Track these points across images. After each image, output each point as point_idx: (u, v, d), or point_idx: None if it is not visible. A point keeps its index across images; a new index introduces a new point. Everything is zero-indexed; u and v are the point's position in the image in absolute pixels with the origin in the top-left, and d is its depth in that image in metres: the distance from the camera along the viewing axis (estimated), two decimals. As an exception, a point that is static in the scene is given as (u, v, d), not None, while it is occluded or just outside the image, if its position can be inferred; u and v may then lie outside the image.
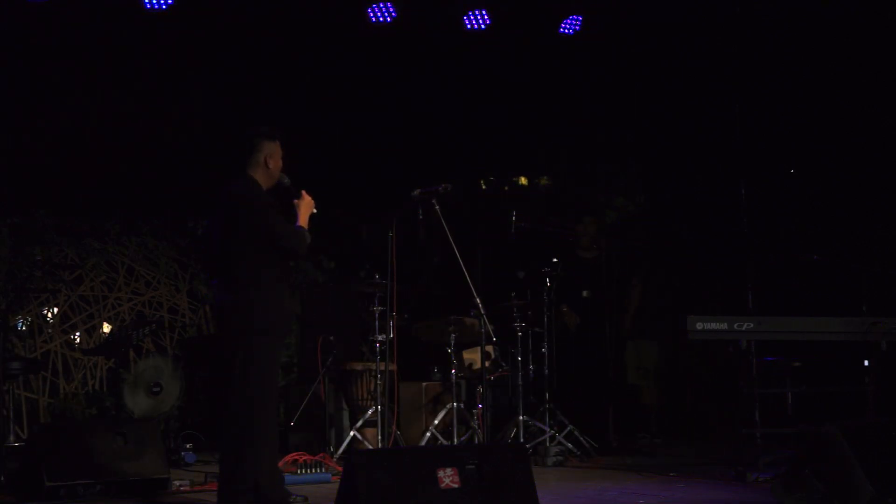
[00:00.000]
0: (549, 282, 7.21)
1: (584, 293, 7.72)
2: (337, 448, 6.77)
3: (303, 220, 4.67)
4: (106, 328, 7.91)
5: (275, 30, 7.87)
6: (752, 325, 6.21)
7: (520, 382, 7.16)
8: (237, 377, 4.44)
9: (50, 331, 7.71)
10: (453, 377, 6.85)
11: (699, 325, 6.27)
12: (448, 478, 3.91)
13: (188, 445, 6.72)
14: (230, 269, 4.54)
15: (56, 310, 7.77)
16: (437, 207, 5.69)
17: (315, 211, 4.76)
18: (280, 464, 5.83)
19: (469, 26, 8.10)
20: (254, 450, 4.44)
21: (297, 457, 6.04)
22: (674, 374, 8.36)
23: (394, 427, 6.67)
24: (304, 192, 4.74)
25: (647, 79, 8.48)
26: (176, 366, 7.20)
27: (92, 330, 7.89)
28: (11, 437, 6.43)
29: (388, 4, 7.83)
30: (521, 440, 6.80)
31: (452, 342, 6.95)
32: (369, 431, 6.87)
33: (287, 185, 4.76)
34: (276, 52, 8.00)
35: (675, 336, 8.03)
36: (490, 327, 5.58)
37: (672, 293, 8.38)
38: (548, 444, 6.93)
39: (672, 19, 7.97)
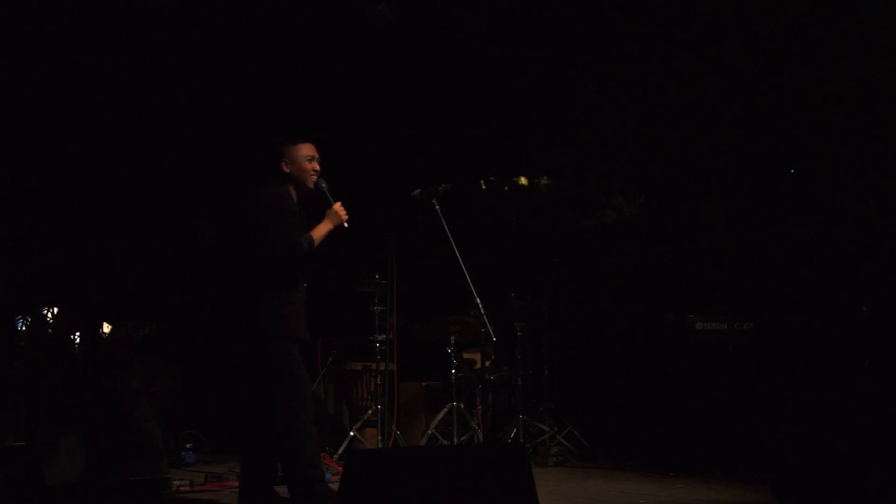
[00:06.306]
0: (549, 282, 7.23)
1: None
2: (337, 448, 6.78)
3: (319, 229, 4.63)
4: (106, 328, 7.92)
5: (273, 31, 7.87)
6: (752, 325, 6.21)
7: (520, 382, 7.17)
8: (265, 385, 4.43)
9: (50, 330, 7.71)
10: (453, 377, 6.86)
11: (699, 325, 6.29)
12: (447, 477, 3.91)
13: (188, 445, 6.73)
14: (242, 274, 4.53)
15: (56, 309, 7.77)
16: (437, 207, 5.69)
17: (346, 225, 4.73)
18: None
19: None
20: (298, 450, 4.45)
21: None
22: (673, 375, 8.37)
23: (394, 427, 6.68)
24: (337, 204, 4.72)
25: (645, 78, 8.47)
26: (172, 366, 7.22)
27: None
28: (11, 437, 6.43)
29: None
30: (521, 440, 6.81)
31: (452, 342, 6.96)
32: (369, 431, 6.87)
33: (325, 192, 4.72)
34: (275, 52, 8.00)
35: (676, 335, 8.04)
36: (490, 327, 5.58)
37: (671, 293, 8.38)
38: (548, 444, 6.94)
39: (668, 17, 7.96)
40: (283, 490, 4.97)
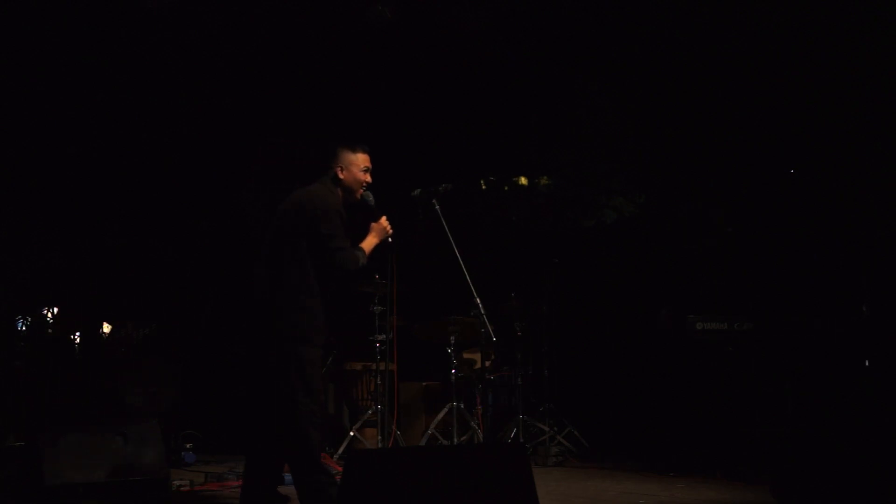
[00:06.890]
0: (549, 282, 7.23)
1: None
2: (337, 448, 6.77)
3: (368, 243, 4.60)
4: (106, 328, 7.92)
5: (273, 31, 7.88)
6: (752, 325, 6.21)
7: (520, 382, 7.17)
8: (282, 385, 4.40)
9: (50, 330, 7.71)
10: (453, 377, 6.86)
11: (699, 325, 6.29)
12: (447, 477, 3.91)
13: (188, 445, 6.73)
14: (277, 273, 4.49)
15: (56, 309, 7.77)
16: (437, 207, 5.69)
17: (390, 240, 4.72)
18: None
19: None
20: (309, 452, 4.44)
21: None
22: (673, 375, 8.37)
23: (394, 427, 6.68)
24: (383, 218, 4.70)
25: (645, 78, 8.47)
26: (172, 366, 7.22)
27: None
28: (11, 437, 6.43)
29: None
30: (521, 440, 6.81)
31: (452, 342, 6.96)
32: (369, 431, 6.87)
33: (371, 205, 4.71)
34: (275, 52, 8.00)
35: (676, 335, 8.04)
36: (490, 327, 5.58)
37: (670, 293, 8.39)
38: (548, 444, 6.94)
39: (668, 17, 7.96)
40: (285, 490, 4.98)
